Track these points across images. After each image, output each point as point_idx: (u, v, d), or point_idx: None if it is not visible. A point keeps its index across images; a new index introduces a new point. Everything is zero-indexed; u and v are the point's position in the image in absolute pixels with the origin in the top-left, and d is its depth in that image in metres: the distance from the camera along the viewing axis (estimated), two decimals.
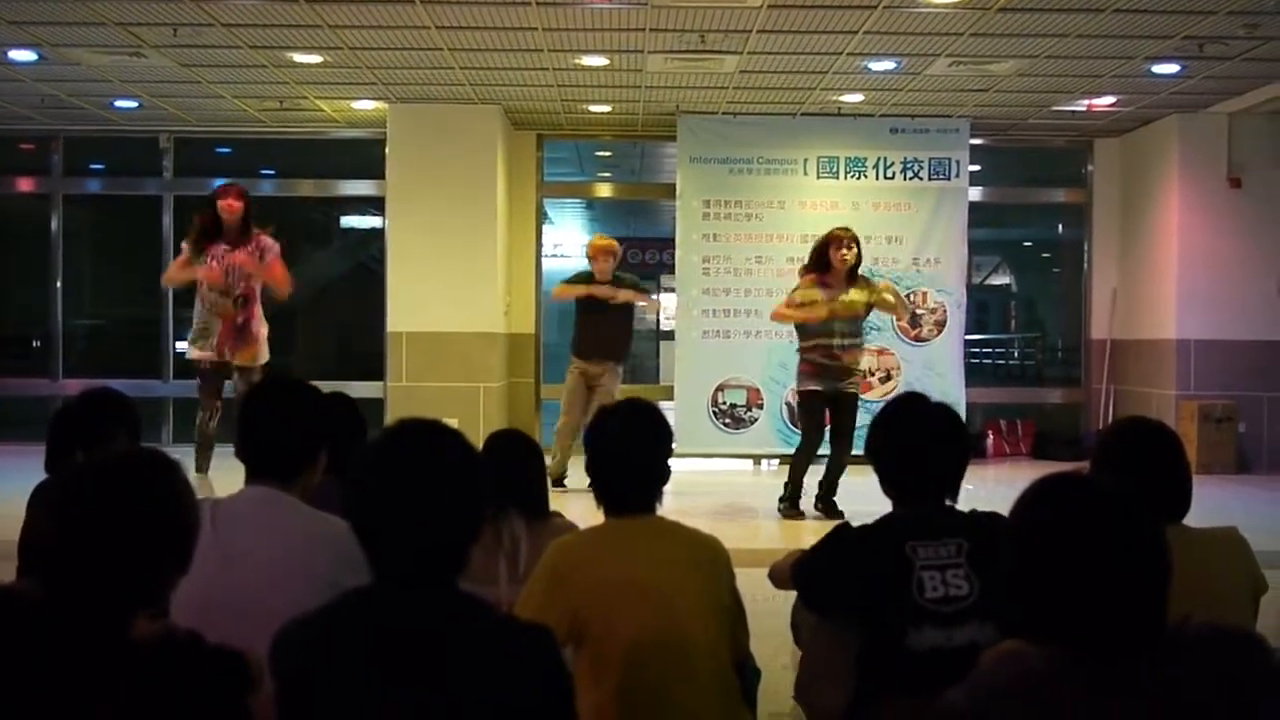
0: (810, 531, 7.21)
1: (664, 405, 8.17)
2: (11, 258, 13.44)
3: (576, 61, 9.06)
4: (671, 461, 3.11)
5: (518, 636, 2.09)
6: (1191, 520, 2.97)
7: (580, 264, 9.59)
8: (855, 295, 7.85)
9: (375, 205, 11.89)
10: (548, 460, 4.28)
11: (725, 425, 10.91)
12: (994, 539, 2.58)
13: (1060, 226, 13.79)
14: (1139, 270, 11.42)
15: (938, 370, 10.87)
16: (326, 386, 3.28)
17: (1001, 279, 18.48)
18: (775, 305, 8.35)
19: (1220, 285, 10.65)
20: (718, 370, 10.84)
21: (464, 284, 10.60)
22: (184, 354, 8.80)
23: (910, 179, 10.98)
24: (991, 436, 11.53)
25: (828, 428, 7.96)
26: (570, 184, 13.61)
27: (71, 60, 9.09)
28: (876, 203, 10.94)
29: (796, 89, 10.00)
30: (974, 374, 11.79)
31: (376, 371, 11.08)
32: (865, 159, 10.96)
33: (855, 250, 7.89)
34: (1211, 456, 10.28)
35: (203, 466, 8.19)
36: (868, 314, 8.07)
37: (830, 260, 7.87)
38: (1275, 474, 10.50)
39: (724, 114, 10.89)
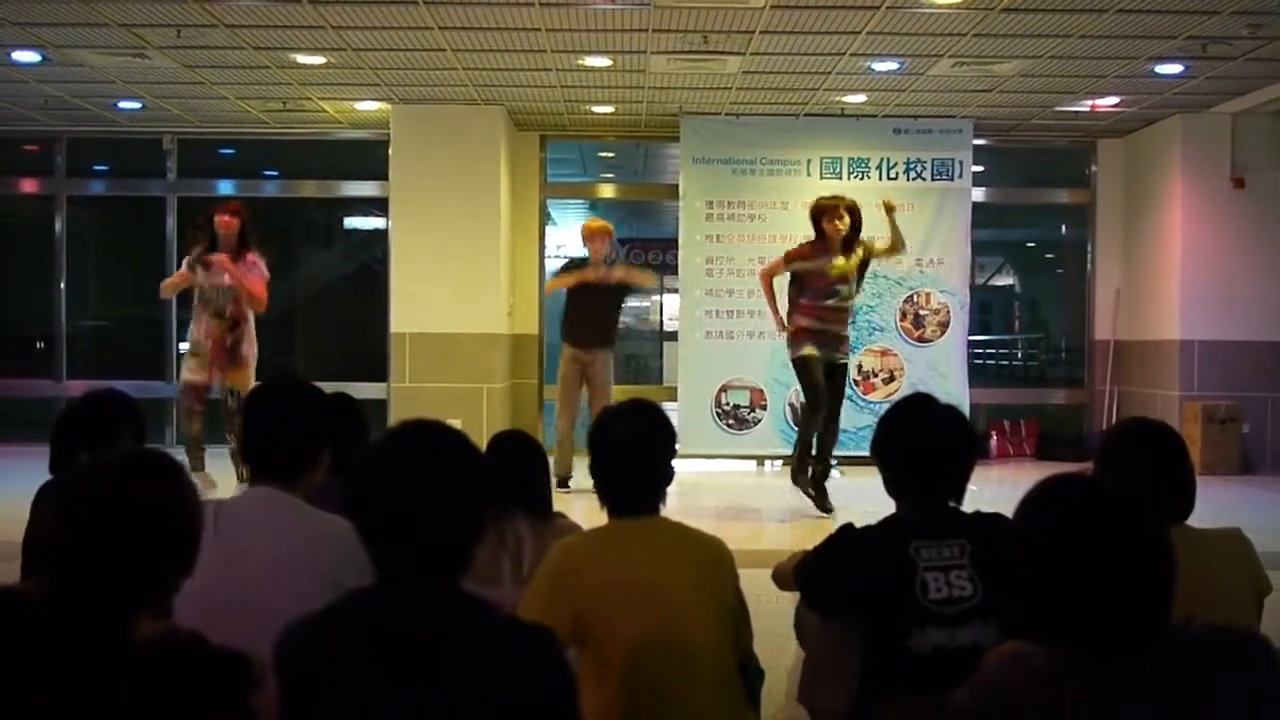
0: (812, 532, 7.20)
1: (667, 406, 8.14)
2: (15, 259, 13.48)
3: (579, 62, 9.06)
4: (675, 462, 3.11)
5: (521, 637, 2.09)
6: (1195, 521, 2.96)
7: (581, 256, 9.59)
8: (841, 263, 7.88)
9: (378, 206, 11.89)
10: (551, 461, 4.28)
11: (728, 426, 10.91)
12: (997, 540, 2.59)
13: (1063, 227, 13.78)
14: (1142, 271, 11.41)
15: (941, 371, 10.86)
16: (329, 387, 3.28)
17: (1005, 280, 18.47)
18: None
19: (1224, 286, 10.65)
20: (721, 371, 10.84)
21: (467, 285, 10.61)
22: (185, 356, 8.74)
23: (913, 180, 10.98)
24: (995, 437, 11.52)
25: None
26: (573, 185, 13.61)
27: (75, 61, 9.10)
28: (879, 203, 10.90)
29: (799, 89, 9.99)
30: (977, 375, 11.79)
31: (380, 372, 11.09)
32: (868, 160, 10.96)
33: (849, 219, 7.94)
34: (1215, 457, 10.27)
35: (197, 465, 8.14)
36: (862, 274, 8.14)
37: (824, 230, 7.95)
38: (1279, 475, 10.49)
39: (727, 115, 10.89)
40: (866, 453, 3.28)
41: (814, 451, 8.01)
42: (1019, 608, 2.02)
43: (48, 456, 3.76)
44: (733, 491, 9.26)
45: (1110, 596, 1.91)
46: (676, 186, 11.14)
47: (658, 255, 16.20)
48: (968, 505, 3.01)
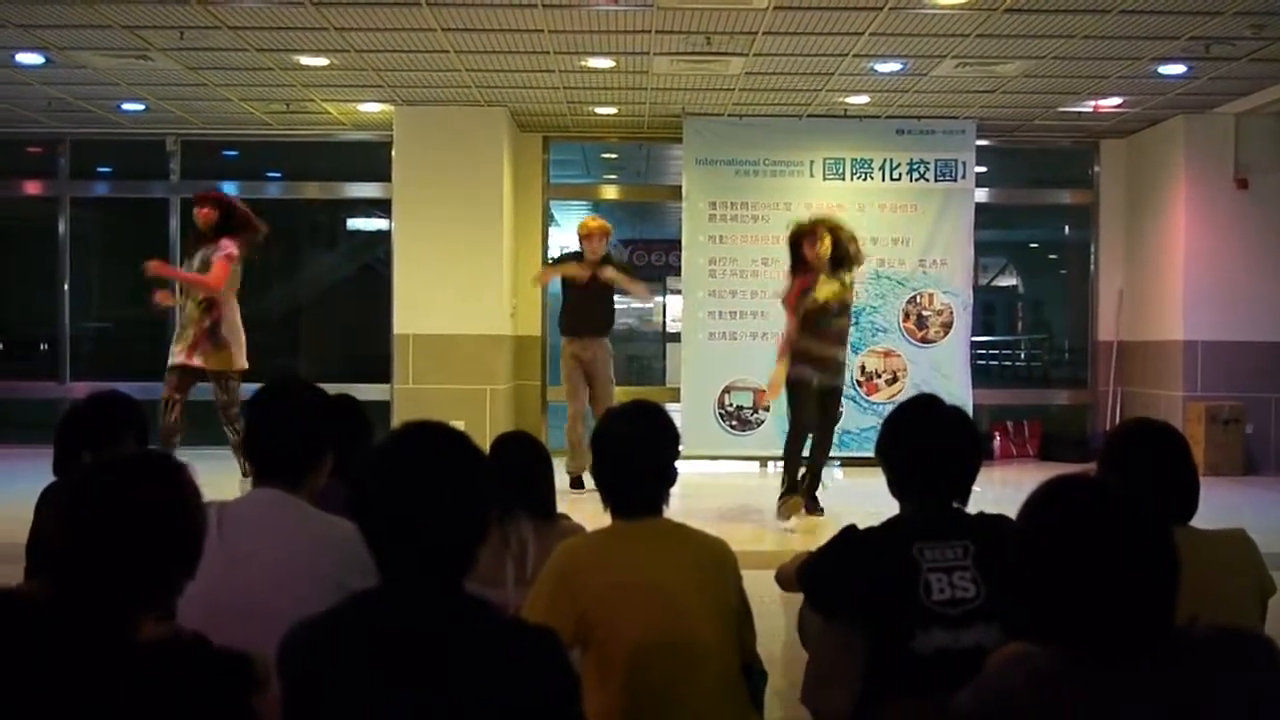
0: (815, 533, 7.20)
1: (670, 407, 8.17)
2: (19, 260, 13.48)
3: (582, 63, 9.06)
4: (678, 463, 3.11)
5: (524, 638, 2.10)
6: (1199, 522, 2.96)
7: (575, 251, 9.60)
8: (826, 290, 7.70)
9: (381, 208, 11.90)
10: (563, 460, 4.26)
11: (732, 427, 10.90)
12: (1001, 541, 2.59)
13: (1066, 228, 13.77)
14: (1146, 271, 11.40)
15: (944, 372, 10.86)
16: (333, 389, 3.28)
17: (1008, 280, 18.44)
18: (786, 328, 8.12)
19: (1227, 286, 10.64)
20: (724, 372, 10.84)
21: (470, 286, 10.61)
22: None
23: (916, 180, 10.98)
24: (998, 438, 11.51)
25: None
26: (576, 186, 13.61)
27: (79, 63, 9.10)
28: (882, 204, 10.94)
29: (802, 90, 9.99)
30: (980, 375, 11.77)
31: (383, 374, 11.08)
32: (871, 160, 10.96)
33: (828, 240, 7.77)
34: (1219, 458, 10.27)
35: None
36: (850, 301, 8.01)
37: (805, 257, 7.82)
38: None
39: (730, 116, 10.89)
40: (870, 454, 3.28)
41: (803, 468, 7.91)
42: (1022, 609, 2.02)
43: (51, 458, 3.76)
44: (736, 493, 9.26)
45: (1113, 597, 1.91)
46: (679, 188, 11.14)
47: (660, 256, 16.20)
48: (971, 506, 3.01)
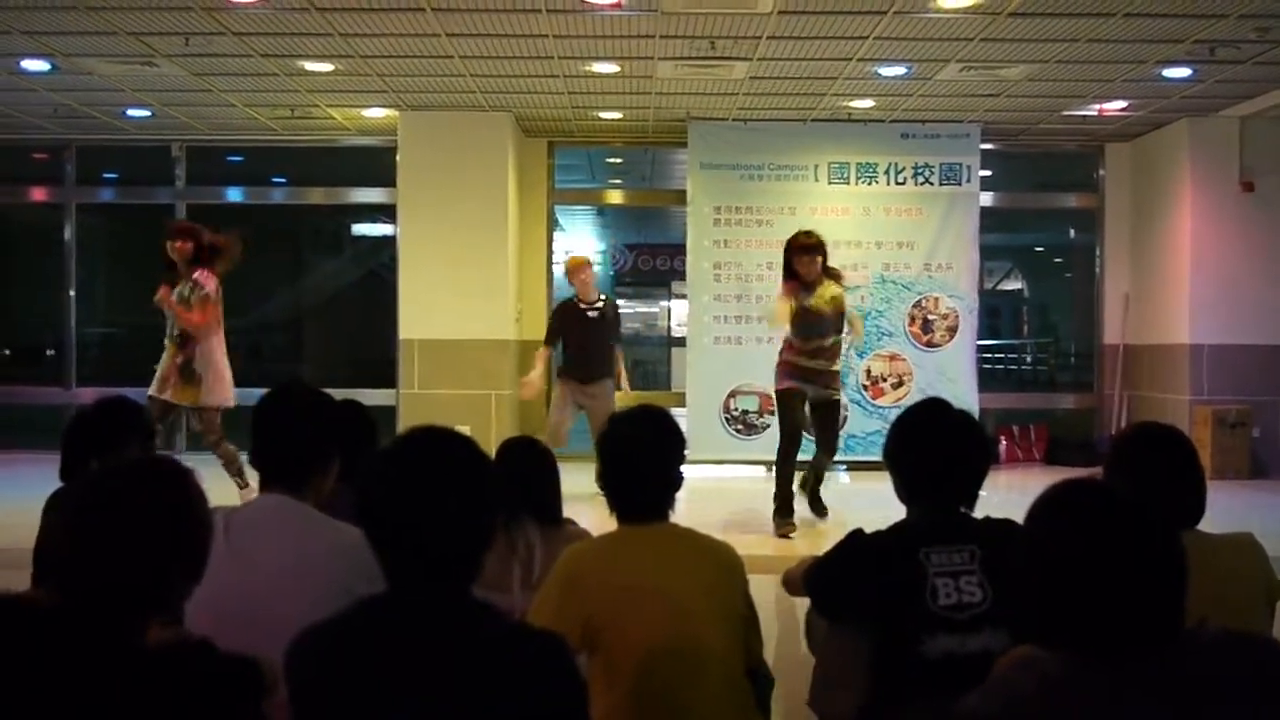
0: (821, 538, 7.19)
1: (675, 412, 8.14)
2: (26, 266, 13.51)
3: (587, 68, 9.07)
4: (683, 468, 3.11)
5: (531, 643, 2.10)
6: (1206, 526, 2.96)
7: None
8: (819, 300, 7.66)
9: (386, 213, 11.92)
10: (569, 465, 4.24)
11: (737, 432, 10.90)
12: (1007, 546, 2.58)
13: (1072, 231, 13.78)
14: (1151, 275, 11.39)
15: (949, 376, 10.85)
16: (338, 394, 3.28)
17: (1013, 284, 18.46)
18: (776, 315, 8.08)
19: (1233, 289, 10.62)
20: (729, 376, 10.83)
21: (475, 291, 10.62)
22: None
23: (921, 184, 10.98)
24: (1004, 442, 11.50)
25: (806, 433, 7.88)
26: (581, 190, 13.62)
27: (84, 70, 9.12)
28: (888, 208, 10.94)
29: (807, 95, 10.00)
30: (986, 379, 11.77)
31: (388, 379, 11.10)
32: (876, 164, 10.96)
33: (820, 259, 7.69)
34: (1225, 462, 10.25)
35: None
36: (842, 315, 7.84)
37: (796, 271, 7.73)
38: None
39: (734, 120, 10.90)
40: (875, 458, 3.27)
41: (801, 483, 7.88)
42: (1030, 613, 2.02)
43: (58, 464, 3.77)
44: (741, 497, 9.25)
45: (1121, 602, 1.90)
46: (684, 192, 11.14)
47: (665, 261, 16.22)
48: (977, 511, 3.01)
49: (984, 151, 11.10)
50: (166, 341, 8.07)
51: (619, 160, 13.39)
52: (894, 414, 3.24)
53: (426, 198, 10.70)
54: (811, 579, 3.09)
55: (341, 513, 2.65)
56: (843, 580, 2.97)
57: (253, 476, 3.04)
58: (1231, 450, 10.34)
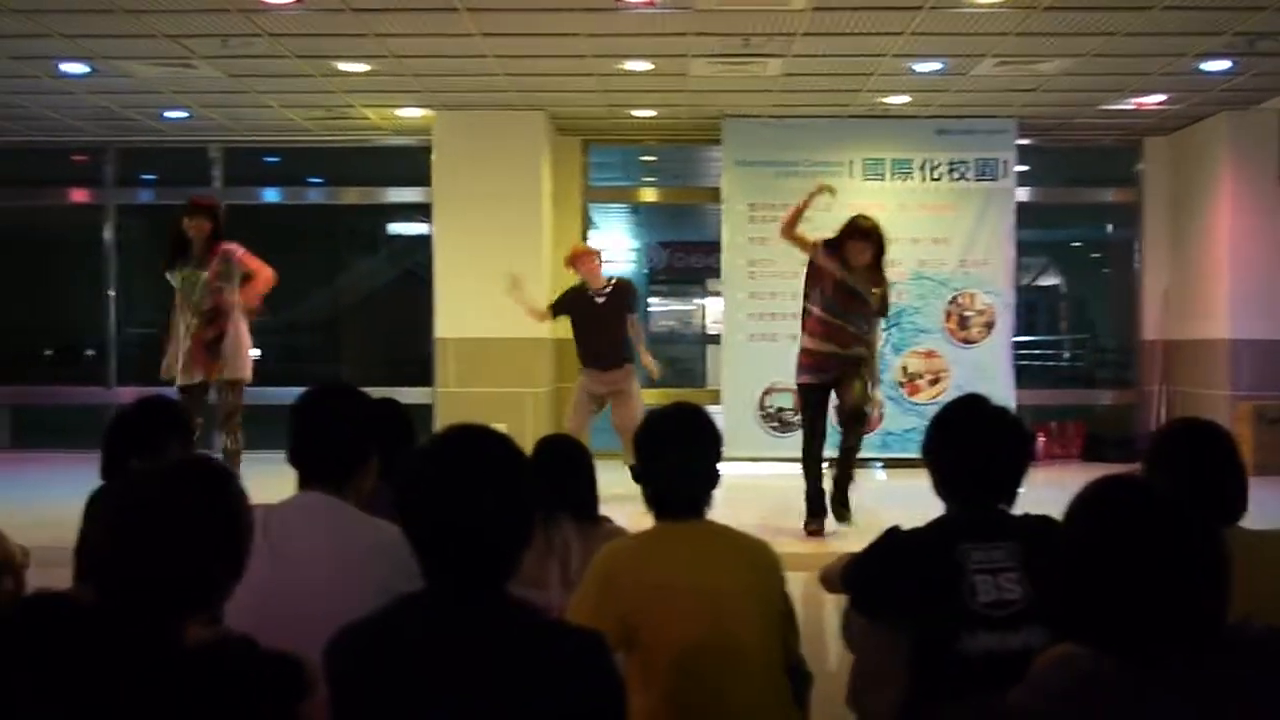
0: (857, 534, 7.16)
1: (710, 409, 8.11)
2: (65, 268, 13.64)
3: (621, 66, 9.07)
4: (719, 465, 3.10)
5: (569, 641, 2.10)
6: (1247, 522, 2.92)
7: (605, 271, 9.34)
8: (858, 281, 7.42)
9: (422, 212, 11.95)
10: (604, 461, 4.23)
11: (773, 429, 10.88)
12: (1047, 542, 2.57)
13: (1110, 226, 13.67)
14: (1190, 269, 11.29)
15: (986, 372, 10.78)
16: (375, 393, 3.30)
17: (1050, 280, 18.31)
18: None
19: (1273, 284, 10.52)
20: (765, 373, 10.80)
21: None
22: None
23: (957, 180, 10.93)
24: (1042, 439, 11.42)
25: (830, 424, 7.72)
26: (615, 189, 13.61)
27: (123, 72, 9.20)
28: (923, 204, 10.89)
29: (841, 91, 9.97)
30: (1023, 376, 11.67)
31: (424, 377, 11.14)
32: (911, 160, 10.92)
33: (870, 250, 7.42)
34: (1267, 457, 10.13)
35: None
36: (871, 305, 7.53)
37: (845, 257, 7.45)
38: None
39: (769, 117, 10.88)
40: (912, 455, 3.26)
41: (833, 475, 7.77)
42: (1069, 611, 2.00)
43: (99, 463, 3.80)
44: (777, 494, 9.22)
45: (1161, 600, 1.89)
46: (718, 189, 11.14)
47: (700, 259, 16.18)
48: (1015, 507, 2.99)
49: (1020, 146, 11.04)
50: (182, 324, 7.94)
51: (653, 158, 13.39)
52: (930, 411, 3.22)
53: (461, 197, 10.73)
54: (849, 576, 3.08)
55: (381, 511, 2.66)
56: (881, 577, 2.96)
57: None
58: (1272, 446, 10.22)
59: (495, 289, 10.47)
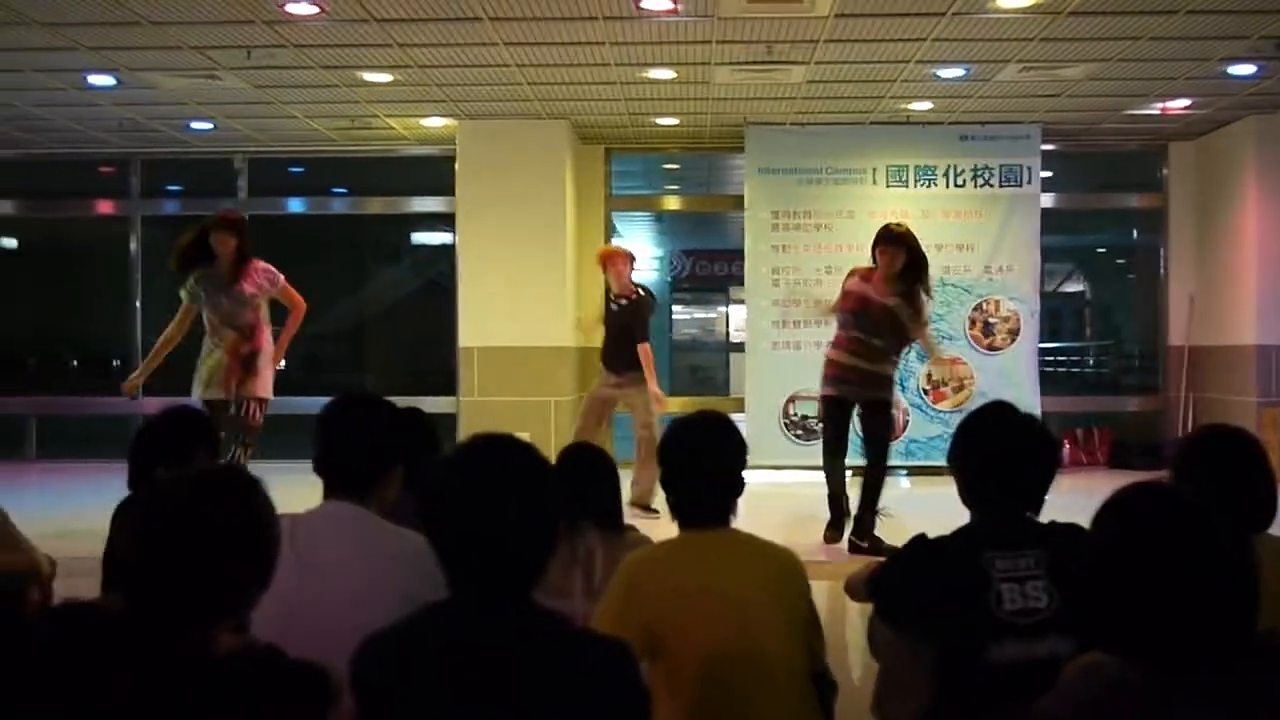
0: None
1: (734, 417, 8.05)
2: (91, 278, 13.72)
3: (643, 75, 9.08)
4: (744, 473, 3.10)
5: (593, 650, 2.10)
6: (1277, 530, 2.91)
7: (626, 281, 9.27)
8: (884, 296, 7.27)
9: (446, 221, 11.99)
10: (630, 471, 4.22)
11: (797, 437, 10.86)
12: (1073, 550, 2.55)
13: (1135, 231, 13.60)
14: (1217, 275, 11.23)
15: (1011, 379, 10.75)
16: (400, 402, 3.31)
17: (1075, 286, 18.24)
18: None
19: None
20: (789, 382, 10.79)
21: (534, 298, 10.66)
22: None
23: (981, 186, 10.89)
24: (1067, 446, 11.37)
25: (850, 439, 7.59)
26: (638, 197, 13.63)
27: (148, 84, 9.26)
28: (947, 211, 10.87)
29: (865, 98, 9.95)
30: (1048, 382, 11.63)
31: (449, 386, 11.16)
32: (935, 167, 10.90)
33: (903, 256, 7.28)
34: None
35: None
36: (904, 328, 7.36)
37: (878, 262, 7.38)
38: None
39: (792, 124, 10.87)
40: (937, 462, 3.25)
41: (849, 503, 7.58)
42: (1096, 619, 1.99)
43: (126, 473, 3.82)
44: (802, 503, 9.21)
45: (1190, 608, 1.88)
46: (742, 197, 11.13)
47: (723, 266, 16.20)
48: (1041, 515, 2.97)
49: (1045, 152, 11.00)
50: (213, 342, 7.87)
51: (676, 166, 13.39)
52: (954, 419, 3.22)
53: (485, 206, 10.76)
54: (874, 584, 3.07)
55: (405, 520, 2.67)
56: (906, 585, 2.95)
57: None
58: None
59: (519, 297, 10.52)
